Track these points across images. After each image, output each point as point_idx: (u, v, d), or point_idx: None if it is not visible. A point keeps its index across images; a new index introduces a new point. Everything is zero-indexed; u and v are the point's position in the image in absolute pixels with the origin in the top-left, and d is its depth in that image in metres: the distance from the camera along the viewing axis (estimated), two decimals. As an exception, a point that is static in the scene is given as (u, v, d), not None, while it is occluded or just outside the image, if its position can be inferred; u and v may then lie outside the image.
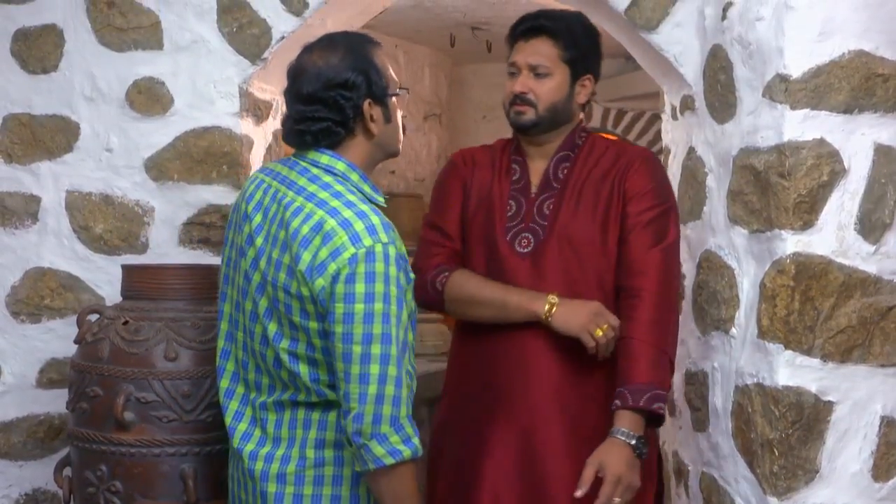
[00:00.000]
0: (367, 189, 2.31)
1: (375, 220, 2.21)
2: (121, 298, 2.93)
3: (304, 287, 2.21)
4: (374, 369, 2.15)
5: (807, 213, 2.61)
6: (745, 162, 2.71)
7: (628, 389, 2.51)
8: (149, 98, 3.29)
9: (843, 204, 2.63)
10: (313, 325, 2.23)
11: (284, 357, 2.27)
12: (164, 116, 3.29)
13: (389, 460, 2.15)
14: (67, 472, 2.87)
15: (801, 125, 2.62)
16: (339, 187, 2.27)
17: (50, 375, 3.35)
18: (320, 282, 2.19)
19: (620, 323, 2.56)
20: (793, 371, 2.62)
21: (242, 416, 2.38)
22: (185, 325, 2.76)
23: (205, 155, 3.27)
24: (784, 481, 2.62)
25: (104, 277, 3.30)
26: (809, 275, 2.61)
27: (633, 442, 2.49)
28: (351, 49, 2.29)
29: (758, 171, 2.67)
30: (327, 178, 2.28)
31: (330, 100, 2.26)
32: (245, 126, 3.31)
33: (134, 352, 2.72)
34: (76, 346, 2.87)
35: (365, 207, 2.23)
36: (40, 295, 3.35)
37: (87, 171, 3.33)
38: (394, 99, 2.34)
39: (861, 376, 2.65)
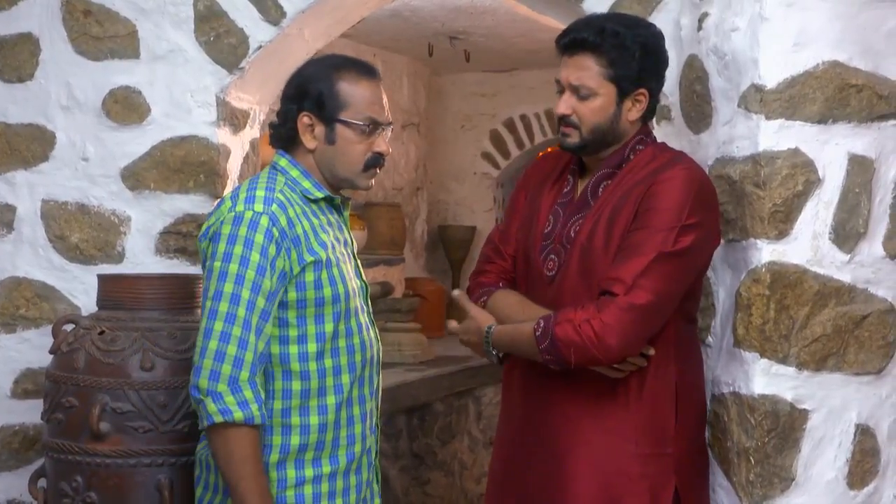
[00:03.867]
0: (306, 185, 2.42)
1: (259, 194, 2.34)
2: (97, 308, 2.92)
3: (200, 254, 2.40)
4: (218, 326, 2.25)
5: (782, 222, 2.62)
6: (721, 172, 2.72)
7: (548, 320, 2.42)
8: (125, 107, 3.28)
9: (818, 213, 2.65)
10: None
11: None
12: (140, 125, 3.28)
13: (219, 418, 2.23)
14: (42, 483, 2.86)
15: (776, 135, 2.63)
16: (262, 176, 2.41)
17: (25, 386, 3.33)
18: (202, 244, 2.38)
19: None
20: (768, 380, 2.63)
21: None
22: (161, 335, 2.75)
23: (182, 164, 3.26)
24: (760, 489, 2.63)
25: (80, 287, 3.29)
26: (784, 284, 2.62)
27: (488, 348, 2.55)
28: (319, 66, 2.45)
29: (733, 181, 2.68)
30: (264, 172, 2.44)
31: (282, 104, 2.45)
32: (222, 135, 3.30)
33: (110, 362, 2.71)
34: (51, 356, 2.86)
35: (260, 193, 2.33)
36: (15, 305, 3.34)
37: (63, 181, 3.32)
38: (348, 127, 2.39)
39: (836, 384, 2.66)
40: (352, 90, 2.40)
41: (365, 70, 2.44)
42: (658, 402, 2.51)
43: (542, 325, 2.43)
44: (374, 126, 2.41)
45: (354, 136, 2.40)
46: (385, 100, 2.46)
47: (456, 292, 2.67)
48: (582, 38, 2.49)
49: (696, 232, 2.44)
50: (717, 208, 2.58)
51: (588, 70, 2.50)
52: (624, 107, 2.53)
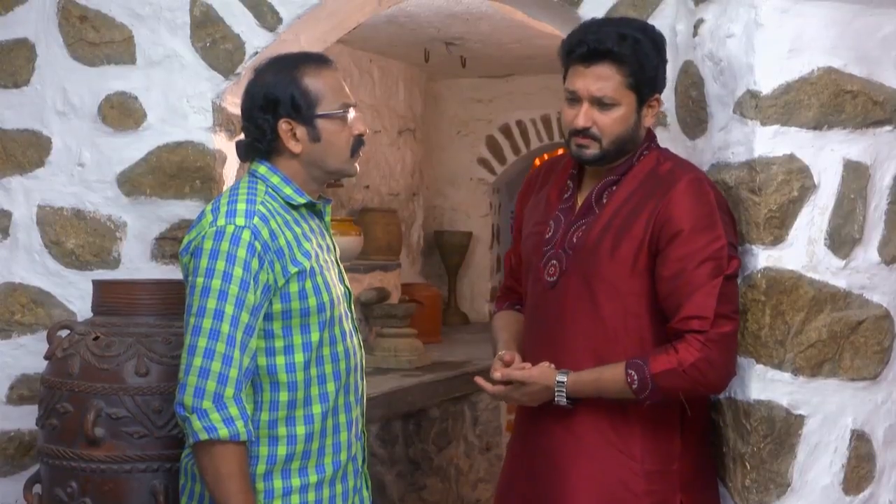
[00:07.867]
0: (287, 191, 2.40)
1: (241, 207, 2.31)
2: (92, 314, 2.92)
3: (181, 268, 2.38)
4: (201, 342, 2.24)
5: (777, 228, 2.63)
6: (717, 177, 2.72)
7: (640, 371, 2.40)
8: (121, 113, 3.28)
9: (813, 219, 2.65)
10: None
11: None
12: (136, 131, 3.28)
13: (204, 436, 2.22)
14: (37, 489, 2.85)
15: (772, 141, 2.64)
16: (243, 186, 2.38)
17: (20, 391, 3.32)
18: (184, 259, 2.35)
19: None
20: (764, 385, 2.63)
21: None
22: (156, 341, 2.75)
23: (177, 170, 3.26)
24: (756, 495, 2.63)
25: (75, 293, 3.29)
26: (780, 289, 2.62)
27: (561, 398, 2.46)
28: (277, 71, 2.41)
29: (728, 187, 2.68)
30: (243, 181, 2.41)
31: (253, 119, 2.40)
32: (218, 141, 3.30)
33: (105, 367, 2.71)
34: (46, 361, 2.85)
35: (242, 206, 2.30)
36: (10, 310, 3.33)
37: (58, 186, 3.32)
38: (329, 119, 2.38)
39: (831, 390, 2.66)
40: (318, 83, 2.39)
41: (320, 60, 2.44)
42: (663, 418, 2.51)
43: (635, 377, 2.41)
44: (348, 110, 2.42)
45: (336, 126, 2.40)
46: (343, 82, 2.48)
47: (480, 380, 2.56)
48: (605, 48, 2.44)
49: (735, 250, 2.52)
50: (730, 211, 2.60)
51: (610, 80, 2.45)
52: (642, 114, 2.53)
